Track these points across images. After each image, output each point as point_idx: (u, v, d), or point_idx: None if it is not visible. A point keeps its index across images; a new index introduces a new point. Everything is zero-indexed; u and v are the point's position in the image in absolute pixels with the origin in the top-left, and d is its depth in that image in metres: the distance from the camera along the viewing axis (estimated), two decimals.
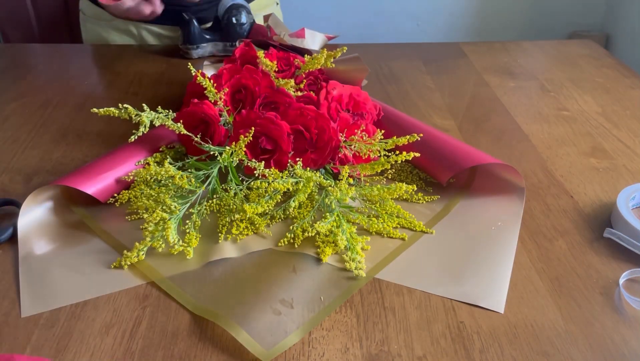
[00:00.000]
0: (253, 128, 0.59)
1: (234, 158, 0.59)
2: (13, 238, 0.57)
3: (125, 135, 0.67)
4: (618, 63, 1.01)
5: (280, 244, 0.56)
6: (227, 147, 0.59)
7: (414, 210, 0.61)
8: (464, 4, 2.43)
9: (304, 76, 0.75)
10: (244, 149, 0.59)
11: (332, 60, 0.73)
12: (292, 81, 0.69)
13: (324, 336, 0.47)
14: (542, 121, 0.82)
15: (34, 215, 0.59)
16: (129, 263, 0.53)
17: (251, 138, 0.59)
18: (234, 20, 0.96)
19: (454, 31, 2.47)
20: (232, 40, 0.98)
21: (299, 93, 0.69)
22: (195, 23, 0.98)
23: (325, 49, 0.72)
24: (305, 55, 0.80)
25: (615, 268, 0.55)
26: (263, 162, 0.59)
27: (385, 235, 0.58)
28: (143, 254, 0.54)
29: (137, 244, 0.53)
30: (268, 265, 0.54)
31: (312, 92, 0.70)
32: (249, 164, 0.59)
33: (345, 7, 2.31)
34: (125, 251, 0.53)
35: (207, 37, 0.99)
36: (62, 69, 0.96)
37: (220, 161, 0.59)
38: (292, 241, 0.56)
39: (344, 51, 0.72)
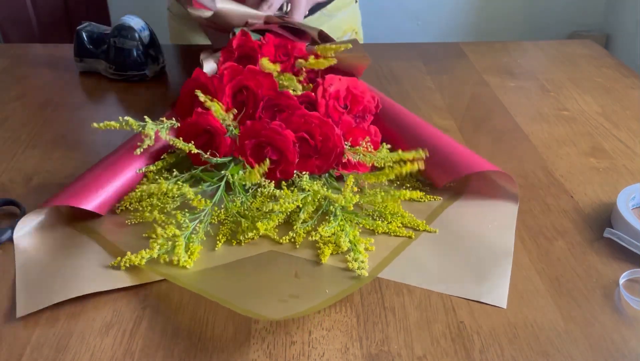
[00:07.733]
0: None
1: (247, 183, 0.59)
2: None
3: (127, 135, 0.67)
4: (618, 63, 1.01)
5: (282, 241, 0.56)
6: (234, 165, 0.60)
7: (412, 208, 0.61)
8: (464, 4, 2.43)
9: (304, 70, 0.74)
10: (256, 171, 0.58)
11: (333, 54, 0.71)
12: (294, 80, 0.69)
13: (324, 336, 0.47)
14: (542, 121, 0.82)
15: (31, 223, 0.58)
16: (127, 265, 0.53)
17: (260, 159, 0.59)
18: (113, 42, 0.89)
19: (454, 31, 2.47)
20: (112, 64, 0.90)
21: (299, 88, 0.68)
22: (84, 36, 0.91)
23: (330, 44, 0.71)
24: (307, 46, 0.78)
25: (615, 268, 0.55)
26: (273, 182, 0.59)
27: (392, 234, 0.58)
28: (144, 261, 0.53)
29: (142, 252, 0.52)
30: (270, 271, 0.53)
31: (311, 84, 0.70)
32: (262, 186, 0.59)
33: None
34: (128, 253, 0.52)
35: (93, 52, 0.92)
36: (62, 69, 0.96)
37: (228, 173, 0.60)
38: (293, 240, 0.57)
39: (349, 48, 0.70)
